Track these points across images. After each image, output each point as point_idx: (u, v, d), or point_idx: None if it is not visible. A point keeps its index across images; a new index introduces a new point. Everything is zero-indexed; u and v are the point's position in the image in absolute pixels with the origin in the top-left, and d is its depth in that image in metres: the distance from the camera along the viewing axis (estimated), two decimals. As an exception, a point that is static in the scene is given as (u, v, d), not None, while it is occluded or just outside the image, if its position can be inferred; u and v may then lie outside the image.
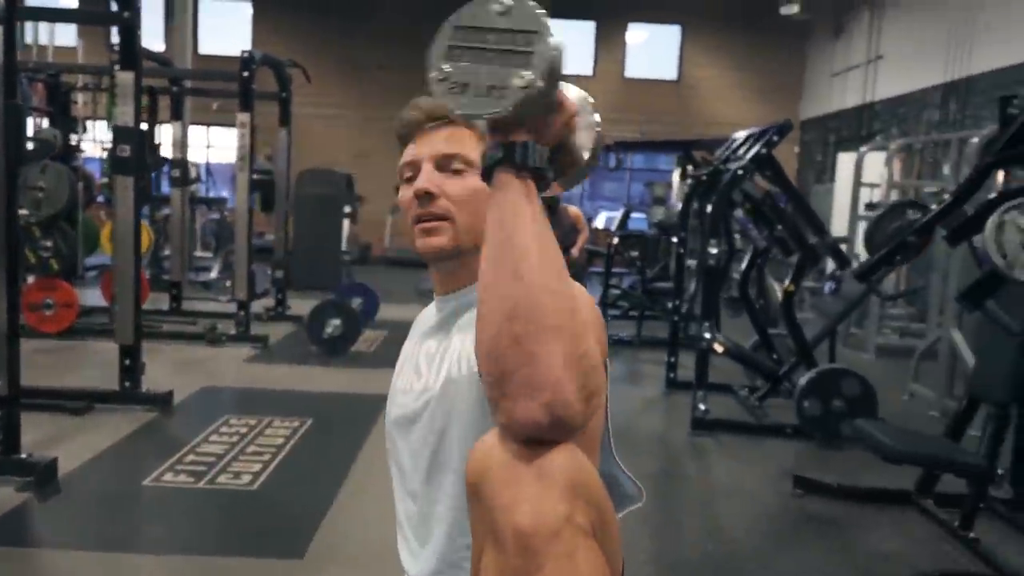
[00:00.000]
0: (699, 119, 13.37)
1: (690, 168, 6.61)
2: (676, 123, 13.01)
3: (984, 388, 2.80)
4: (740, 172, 3.97)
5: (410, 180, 1.05)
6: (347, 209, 8.07)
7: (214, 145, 13.00)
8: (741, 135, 4.89)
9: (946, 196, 6.36)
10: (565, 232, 6.13)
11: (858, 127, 11.83)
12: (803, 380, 3.88)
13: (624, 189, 10.73)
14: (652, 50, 14.36)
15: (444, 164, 1.02)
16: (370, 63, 13.39)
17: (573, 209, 6.18)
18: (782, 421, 4.06)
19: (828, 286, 6.41)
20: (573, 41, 14.12)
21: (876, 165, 7.53)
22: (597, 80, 14.13)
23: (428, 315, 1.17)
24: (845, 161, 10.79)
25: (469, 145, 1.03)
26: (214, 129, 12.75)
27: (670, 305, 5.48)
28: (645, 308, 6.72)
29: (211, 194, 11.05)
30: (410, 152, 1.06)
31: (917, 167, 10.07)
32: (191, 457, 3.29)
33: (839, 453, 3.79)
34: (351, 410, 4.10)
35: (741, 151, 4.47)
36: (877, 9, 11.82)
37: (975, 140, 5.08)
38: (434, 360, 1.06)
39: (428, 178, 1.01)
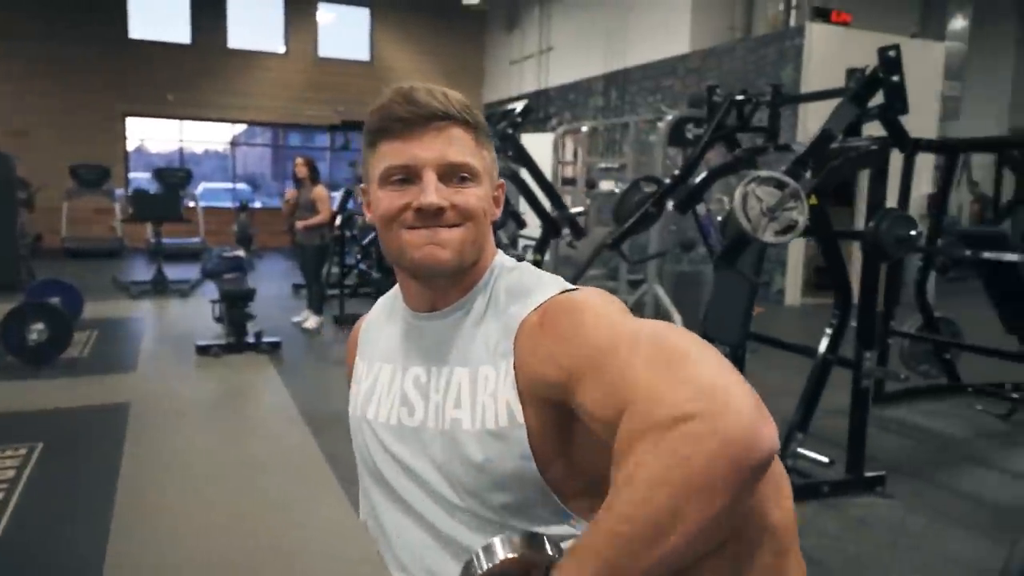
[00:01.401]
0: (395, 101, 13.61)
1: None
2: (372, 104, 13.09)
3: (718, 331, 3.35)
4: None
5: (396, 183, 0.90)
6: (22, 195, 6.81)
7: None
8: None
9: (627, 169, 7.36)
10: (303, 206, 5.90)
11: (536, 111, 12.96)
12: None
13: (347, 171, 10.42)
14: (344, 31, 14.20)
15: (449, 173, 0.89)
16: (28, 32, 11.39)
17: (319, 190, 5.96)
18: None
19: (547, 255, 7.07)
20: (262, 18, 13.43)
21: (547, 145, 8.47)
22: (289, 58, 13.62)
23: (391, 330, 1.01)
24: (528, 141, 11.79)
25: (470, 150, 0.91)
26: None
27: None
28: (379, 285, 6.78)
29: None
30: (400, 152, 0.89)
31: (590, 145, 11.32)
32: None
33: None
34: (88, 426, 3.57)
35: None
36: (545, 5, 13.00)
37: (662, 124, 5.93)
38: (429, 393, 0.93)
39: (436, 191, 0.88)
